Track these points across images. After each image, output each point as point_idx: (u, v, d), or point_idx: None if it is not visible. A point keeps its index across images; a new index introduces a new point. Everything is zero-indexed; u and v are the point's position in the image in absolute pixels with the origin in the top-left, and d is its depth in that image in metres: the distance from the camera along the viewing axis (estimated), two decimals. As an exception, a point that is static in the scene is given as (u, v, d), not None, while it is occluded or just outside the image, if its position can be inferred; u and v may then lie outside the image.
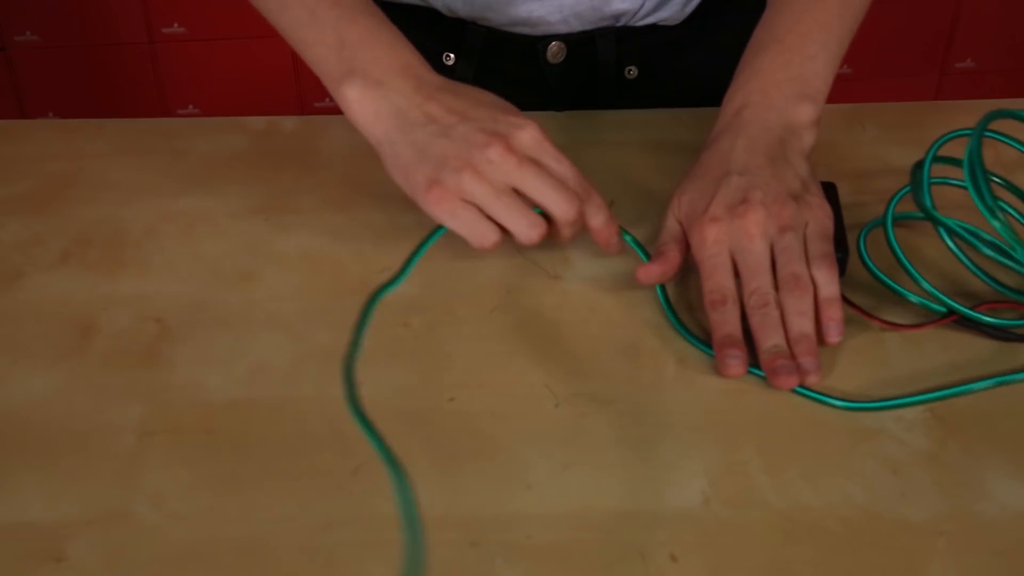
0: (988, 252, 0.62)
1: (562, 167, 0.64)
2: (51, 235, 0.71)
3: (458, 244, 0.64)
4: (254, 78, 1.98)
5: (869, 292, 0.65)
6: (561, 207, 0.63)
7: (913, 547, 0.51)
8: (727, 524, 0.52)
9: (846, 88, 1.97)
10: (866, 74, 1.99)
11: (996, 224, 0.60)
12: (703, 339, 0.62)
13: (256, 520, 0.52)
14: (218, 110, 1.97)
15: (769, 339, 0.60)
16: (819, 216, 0.63)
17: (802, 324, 0.60)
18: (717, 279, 0.62)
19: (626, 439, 0.56)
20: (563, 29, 0.81)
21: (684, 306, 0.65)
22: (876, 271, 0.64)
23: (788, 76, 0.67)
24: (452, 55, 0.84)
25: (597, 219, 0.65)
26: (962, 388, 0.58)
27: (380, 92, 0.65)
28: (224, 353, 0.62)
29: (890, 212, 0.65)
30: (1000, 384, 0.58)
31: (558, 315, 0.64)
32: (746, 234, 0.62)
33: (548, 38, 0.82)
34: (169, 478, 0.54)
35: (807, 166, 0.66)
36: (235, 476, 0.54)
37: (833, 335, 0.61)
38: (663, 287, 0.65)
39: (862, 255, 0.65)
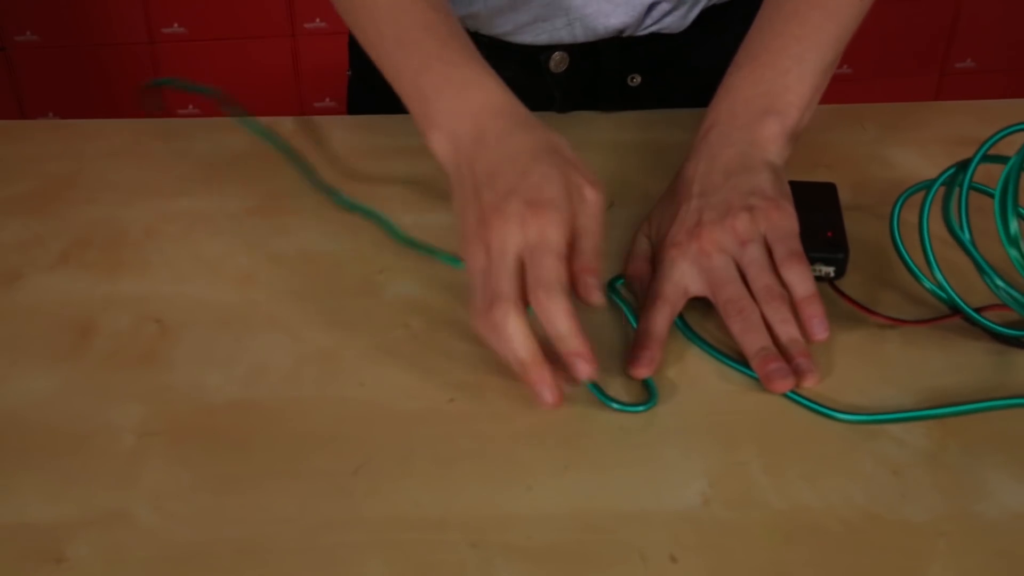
0: (1001, 283, 0.61)
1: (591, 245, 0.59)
2: (51, 235, 0.71)
3: (458, 244, 0.64)
4: (254, 78, 1.98)
5: (870, 290, 0.65)
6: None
7: (913, 548, 0.51)
8: (727, 525, 0.52)
9: (846, 88, 1.98)
10: (866, 74, 2.00)
11: (1012, 253, 0.59)
12: (704, 339, 0.62)
13: (256, 520, 0.52)
14: (218, 110, 1.97)
15: (755, 342, 0.60)
16: (775, 218, 0.62)
17: (788, 331, 0.60)
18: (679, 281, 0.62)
19: (626, 439, 0.56)
20: (568, 40, 0.81)
21: (684, 305, 0.65)
22: (902, 249, 0.63)
23: (757, 92, 0.67)
24: None
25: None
26: (959, 408, 0.58)
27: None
28: (224, 353, 0.62)
29: (930, 196, 0.63)
30: (998, 408, 0.58)
31: (558, 315, 0.64)
32: (703, 253, 0.62)
33: (551, 48, 0.82)
34: (169, 478, 0.54)
35: (770, 175, 0.64)
36: (235, 476, 0.54)
37: (818, 332, 0.60)
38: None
39: (893, 228, 0.64)
